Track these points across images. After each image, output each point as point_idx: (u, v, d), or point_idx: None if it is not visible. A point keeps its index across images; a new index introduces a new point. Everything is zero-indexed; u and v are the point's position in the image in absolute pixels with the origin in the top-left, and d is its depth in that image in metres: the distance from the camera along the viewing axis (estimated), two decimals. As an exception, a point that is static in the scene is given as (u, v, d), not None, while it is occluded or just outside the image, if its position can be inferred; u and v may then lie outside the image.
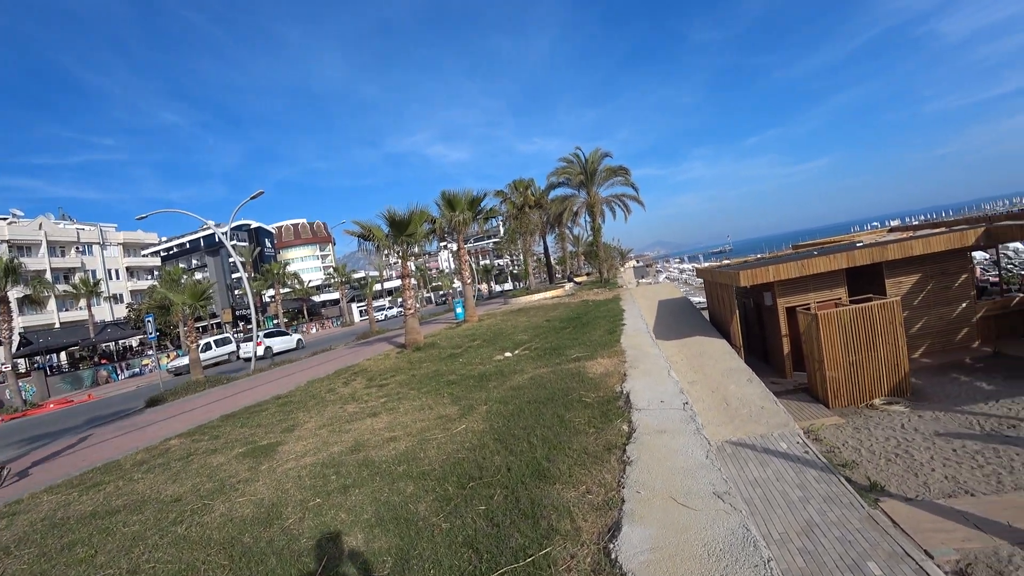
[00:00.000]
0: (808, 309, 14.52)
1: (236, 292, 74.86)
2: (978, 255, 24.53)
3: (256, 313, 68.41)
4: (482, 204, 22.43)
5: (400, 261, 16.29)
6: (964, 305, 15.79)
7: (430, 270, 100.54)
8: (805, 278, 15.18)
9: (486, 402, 7.91)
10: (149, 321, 18.23)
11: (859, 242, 22.34)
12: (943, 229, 20.34)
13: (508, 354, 12.67)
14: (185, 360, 33.49)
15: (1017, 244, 28.69)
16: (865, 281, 16.41)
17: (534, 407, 6.96)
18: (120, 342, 49.31)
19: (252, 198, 21.79)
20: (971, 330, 15.85)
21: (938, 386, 13.42)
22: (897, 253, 14.67)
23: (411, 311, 16.52)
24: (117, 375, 38.84)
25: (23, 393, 30.44)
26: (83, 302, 47.68)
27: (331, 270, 61.87)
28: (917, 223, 36.05)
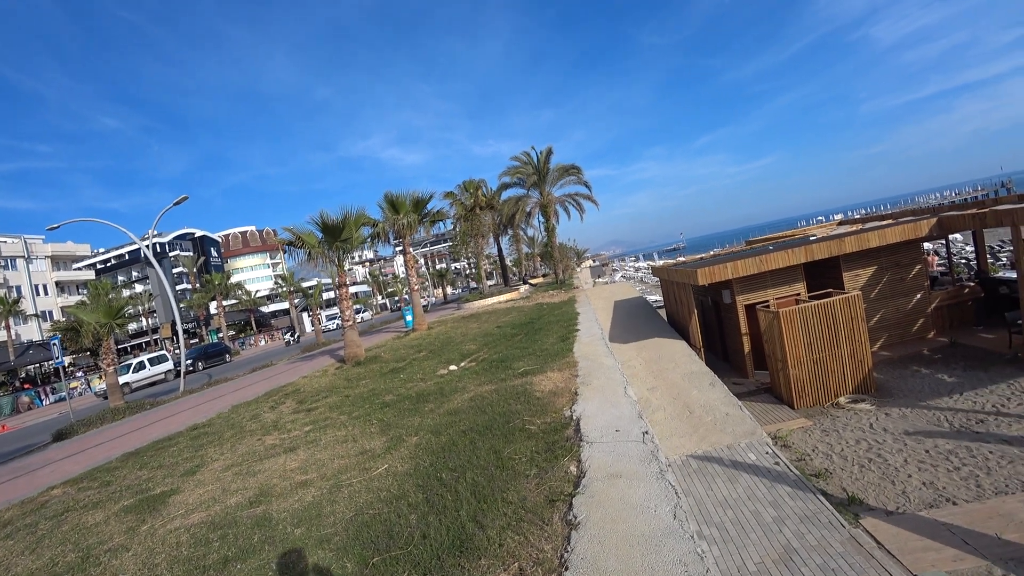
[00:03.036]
0: (767, 306, 13.99)
1: (182, 305, 71.14)
2: (928, 246, 24.89)
3: (201, 326, 64.63)
4: (428, 206, 21.23)
5: (336, 268, 14.96)
6: (919, 296, 15.58)
7: (385, 276, 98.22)
8: (763, 274, 14.65)
9: (417, 431, 6.82)
10: (55, 344, 16.30)
11: (812, 235, 22.22)
12: (890, 221, 20.35)
13: (453, 367, 11.60)
14: (120, 380, 31.09)
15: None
16: (821, 275, 16.05)
17: (469, 439, 5.91)
18: (46, 364, 45.66)
19: (175, 204, 19.97)
20: (927, 320, 15.65)
21: (900, 380, 13.05)
22: (854, 246, 14.29)
23: (349, 323, 15.21)
24: (41, 400, 35.76)
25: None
26: (1, 322, 43.94)
27: (280, 279, 59.25)
28: (859, 216, 36.78)
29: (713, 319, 17.36)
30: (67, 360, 47.64)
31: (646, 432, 4.94)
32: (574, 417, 5.86)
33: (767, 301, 14.72)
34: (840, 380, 12.52)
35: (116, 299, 20.41)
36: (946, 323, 15.77)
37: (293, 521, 4.83)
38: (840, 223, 28.74)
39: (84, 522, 6.37)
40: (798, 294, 14.94)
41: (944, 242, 20.47)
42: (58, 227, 21.41)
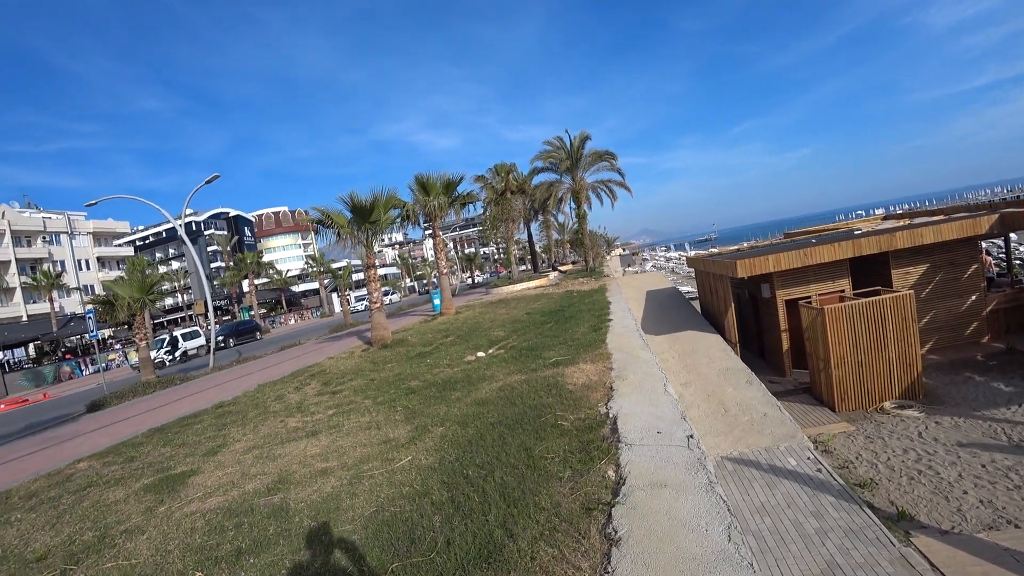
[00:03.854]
0: (809, 302, 13.33)
1: (215, 283, 72.72)
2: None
3: (233, 304, 66.04)
4: (459, 188, 20.91)
5: (365, 250, 14.77)
6: (974, 297, 14.67)
7: (415, 258, 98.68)
8: (806, 268, 13.95)
9: (443, 422, 6.53)
10: (90, 317, 16.60)
11: (856, 230, 21.21)
12: (942, 217, 19.26)
13: (481, 354, 11.30)
14: (153, 354, 31.89)
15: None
16: (866, 272, 15.23)
17: (498, 433, 5.58)
18: (87, 336, 47.15)
19: (207, 182, 20.06)
20: (981, 324, 14.75)
21: (952, 387, 12.29)
22: (906, 241, 13.48)
23: (377, 305, 15.04)
24: (81, 371, 36.94)
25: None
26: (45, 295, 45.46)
27: (311, 260, 59.88)
28: (902, 211, 35.11)
29: (750, 313, 16.71)
30: (107, 333, 49.15)
31: (691, 436, 4.52)
32: (610, 414, 5.48)
33: (809, 297, 14.04)
34: (886, 383, 11.85)
35: (151, 275, 20.78)
36: (1002, 327, 14.85)
37: (310, 513, 4.59)
38: (884, 218, 27.48)
39: (105, 499, 6.29)
40: (842, 291, 14.22)
41: (1002, 241, 19.33)
42: (96, 203, 21.79)
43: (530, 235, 43.20)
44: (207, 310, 22.67)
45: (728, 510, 3.22)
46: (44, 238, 58.89)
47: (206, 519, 5.03)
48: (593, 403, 6.08)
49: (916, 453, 9.44)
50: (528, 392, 7.05)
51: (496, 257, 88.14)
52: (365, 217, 14.38)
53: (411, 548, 3.54)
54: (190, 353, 32.32)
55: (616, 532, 3.16)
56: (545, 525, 3.49)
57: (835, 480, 7.56)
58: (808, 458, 8.26)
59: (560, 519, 3.54)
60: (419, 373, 10.30)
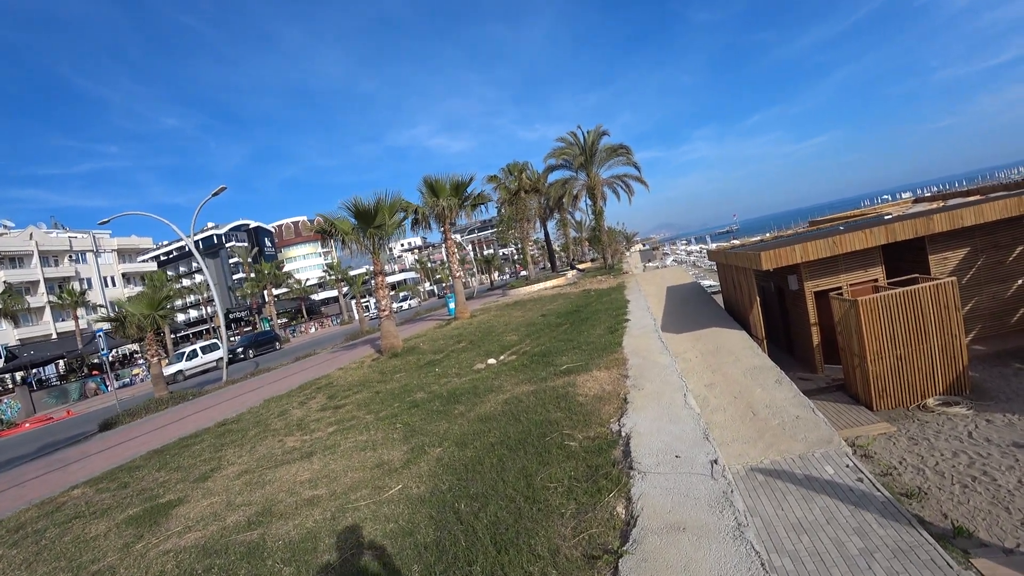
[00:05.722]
0: (840, 293, 12.50)
1: (237, 295, 73.58)
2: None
3: (254, 314, 66.47)
4: (469, 189, 20.39)
5: (371, 255, 14.32)
6: (1021, 282, 13.65)
7: (433, 262, 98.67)
8: (835, 258, 13.10)
9: (442, 441, 5.99)
10: (99, 336, 16.49)
11: (887, 214, 20.16)
12: (978, 197, 18.14)
13: (491, 361, 10.76)
14: (174, 368, 32.04)
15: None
16: (900, 259, 14.30)
17: (498, 456, 5.02)
18: (114, 351, 47.88)
19: (213, 195, 19.90)
20: (1028, 310, 13.73)
21: (1001, 380, 11.34)
22: (944, 224, 12.53)
23: (386, 313, 14.59)
24: (106, 386, 37.33)
25: (8, 411, 29.11)
26: (78, 312, 46.30)
27: (329, 268, 60.11)
28: (930, 194, 33.55)
29: (776, 307, 15.86)
30: (133, 347, 49.86)
31: (715, 461, 3.89)
32: (623, 433, 4.87)
33: (839, 288, 13.20)
34: (928, 378, 10.97)
35: (158, 291, 20.79)
36: (1053, 313, 13.82)
37: (285, 555, 4.09)
38: (915, 201, 26.20)
39: (86, 533, 5.90)
40: (875, 280, 13.33)
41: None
42: (109, 221, 21.83)
43: (547, 234, 42.55)
44: (220, 323, 22.56)
45: (762, 565, 2.61)
46: (70, 257, 60.16)
47: (178, 560, 4.57)
48: (604, 418, 5.47)
49: (968, 456, 8.60)
50: (535, 405, 6.47)
51: (515, 258, 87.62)
52: (369, 222, 13.94)
53: (382, 609, 3.00)
54: (208, 366, 32.42)
55: (623, 593, 2.57)
56: (539, 580, 2.91)
57: (879, 491, 6.81)
58: (847, 466, 7.51)
59: (558, 572, 2.96)
60: (425, 384, 9.79)
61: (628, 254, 60.38)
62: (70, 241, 60.77)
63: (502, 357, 11.00)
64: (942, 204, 19.24)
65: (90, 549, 5.40)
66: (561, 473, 4.28)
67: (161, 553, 4.83)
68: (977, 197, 18.45)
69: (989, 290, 13.71)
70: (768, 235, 35.90)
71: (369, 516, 4.43)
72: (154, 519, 5.79)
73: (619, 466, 4.18)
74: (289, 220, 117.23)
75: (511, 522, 3.66)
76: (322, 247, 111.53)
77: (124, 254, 68.22)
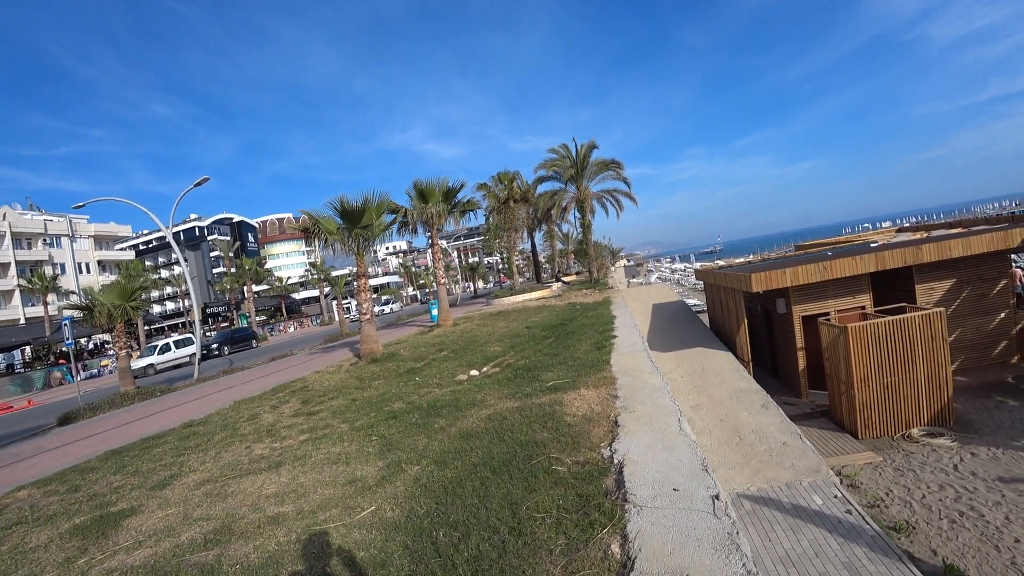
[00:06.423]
0: (828, 318, 12.42)
1: (216, 289, 72.12)
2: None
3: (232, 310, 65.31)
4: (459, 196, 20.09)
5: (355, 256, 13.90)
6: (1003, 315, 13.71)
7: (418, 267, 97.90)
8: (824, 283, 13.03)
9: (420, 458, 5.64)
10: (66, 324, 15.80)
11: (873, 242, 20.29)
12: (961, 230, 18.32)
13: (474, 372, 10.43)
14: (145, 361, 31.06)
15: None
16: (887, 287, 14.31)
17: (480, 478, 4.69)
18: (81, 341, 46.48)
19: (196, 185, 19.32)
20: (1010, 344, 13.78)
21: (984, 412, 11.31)
22: (933, 255, 12.54)
23: (367, 316, 14.16)
24: (72, 377, 36.11)
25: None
26: (48, 297, 44.83)
27: (312, 267, 59.17)
28: (910, 224, 34.07)
29: (763, 330, 15.76)
30: (105, 337, 48.42)
31: (717, 496, 3.61)
32: (615, 459, 4.56)
33: (827, 313, 13.12)
34: (913, 408, 10.88)
35: (132, 281, 19.98)
36: (1034, 348, 13.90)
37: (239, 586, 3.71)
38: (899, 231, 26.48)
39: (27, 543, 5.42)
40: (863, 307, 13.28)
41: (1030, 255, 18.37)
42: (84, 205, 21.11)
43: (533, 245, 42.34)
44: (195, 317, 21.88)
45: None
46: (45, 240, 58.41)
47: (122, 583, 4.15)
48: (595, 442, 5.17)
49: (954, 490, 8.47)
50: (520, 424, 6.15)
51: (500, 267, 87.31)
52: (356, 222, 13.54)
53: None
54: (181, 361, 31.53)
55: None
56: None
57: (868, 524, 6.61)
58: (835, 496, 7.30)
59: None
60: (405, 393, 9.42)
61: (613, 269, 60.43)
62: (45, 224, 59.06)
63: (485, 369, 10.67)
64: (926, 235, 19.41)
65: (27, 562, 4.93)
66: (549, 502, 3.97)
67: (104, 572, 4.41)
68: (960, 230, 18.64)
69: (973, 322, 13.75)
70: (753, 257, 36.09)
71: (338, 541, 4.06)
72: (102, 530, 5.34)
73: (612, 497, 3.88)
74: (274, 216, 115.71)
75: (495, 557, 3.33)
76: (306, 246, 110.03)
77: (101, 241, 66.51)
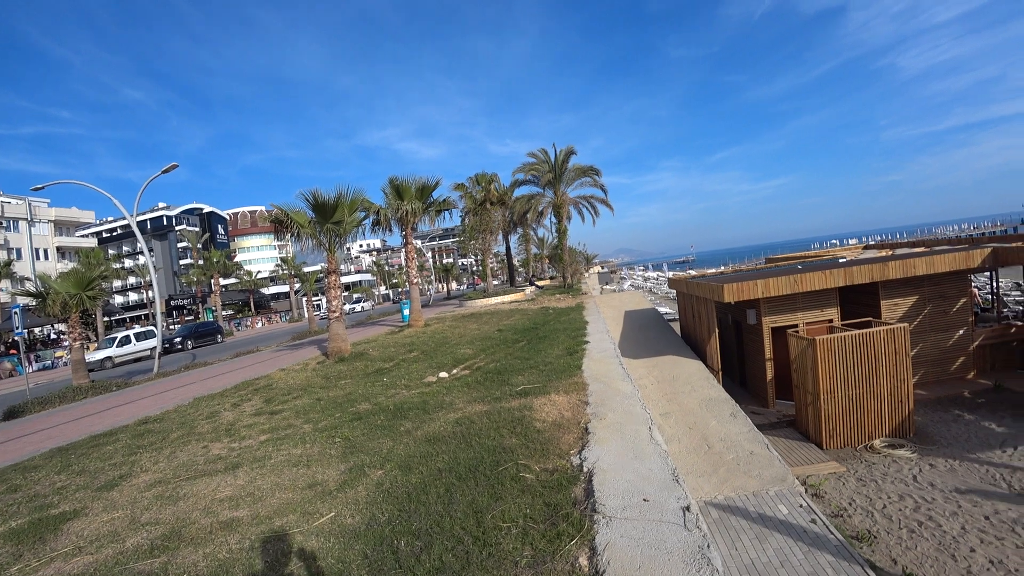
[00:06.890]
0: (796, 330, 12.61)
1: (182, 281, 70.13)
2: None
3: (197, 304, 63.60)
4: (435, 194, 19.88)
5: (327, 252, 13.57)
6: (961, 332, 14.14)
7: (391, 266, 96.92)
8: (794, 296, 13.24)
9: (384, 462, 5.46)
10: (16, 312, 15.04)
11: (841, 258, 20.77)
12: (924, 249, 18.89)
13: (443, 374, 10.25)
14: (103, 354, 29.93)
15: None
16: (854, 301, 14.62)
17: (445, 486, 4.53)
18: (36, 330, 44.65)
19: (163, 172, 18.67)
20: (967, 359, 14.22)
21: (942, 425, 11.62)
22: (898, 272, 12.86)
23: (336, 314, 13.83)
24: (23, 368, 34.59)
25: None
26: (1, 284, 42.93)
27: (282, 262, 57.98)
28: (874, 243, 35.12)
29: (732, 340, 15.94)
30: (62, 327, 46.56)
31: (687, 508, 3.53)
32: (584, 468, 4.46)
33: (796, 325, 13.33)
34: (876, 420, 11.11)
35: (92, 269, 19.19)
36: (988, 364, 14.35)
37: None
38: (866, 247, 27.19)
39: (-43, 547, 5.05)
40: (831, 320, 13.53)
41: (988, 275, 19.02)
42: (43, 188, 20.27)
43: (508, 248, 42.26)
44: (157, 309, 21.16)
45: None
46: (1, 223, 55.94)
47: (57, 592, 3.88)
48: (564, 449, 5.07)
49: (914, 500, 8.64)
50: (488, 428, 6.01)
51: (474, 269, 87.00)
52: (328, 217, 13.22)
53: None
54: (141, 354, 30.49)
55: None
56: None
57: (832, 533, 6.65)
58: (801, 506, 7.35)
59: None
60: (372, 394, 9.19)
61: (587, 275, 60.75)
62: (2, 206, 56.53)
63: (455, 371, 10.50)
64: (891, 252, 19.94)
65: (-44, 568, 4.60)
66: (516, 511, 3.84)
67: (38, 581, 4.12)
68: (923, 248, 19.22)
69: (933, 338, 14.14)
70: (725, 268, 36.66)
71: (295, 550, 3.86)
72: (40, 535, 5.01)
73: (581, 507, 3.77)
74: (246, 209, 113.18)
75: (458, 568, 3.19)
76: (277, 240, 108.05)
77: (61, 226, 64.00)
